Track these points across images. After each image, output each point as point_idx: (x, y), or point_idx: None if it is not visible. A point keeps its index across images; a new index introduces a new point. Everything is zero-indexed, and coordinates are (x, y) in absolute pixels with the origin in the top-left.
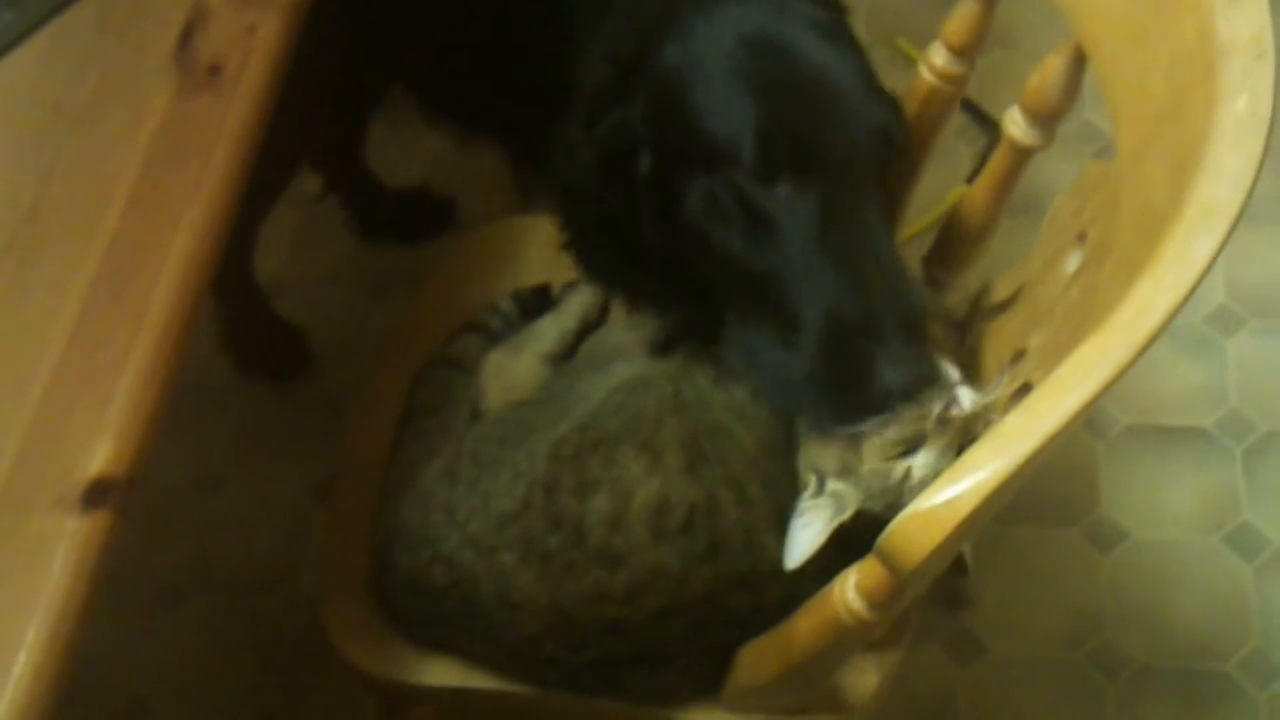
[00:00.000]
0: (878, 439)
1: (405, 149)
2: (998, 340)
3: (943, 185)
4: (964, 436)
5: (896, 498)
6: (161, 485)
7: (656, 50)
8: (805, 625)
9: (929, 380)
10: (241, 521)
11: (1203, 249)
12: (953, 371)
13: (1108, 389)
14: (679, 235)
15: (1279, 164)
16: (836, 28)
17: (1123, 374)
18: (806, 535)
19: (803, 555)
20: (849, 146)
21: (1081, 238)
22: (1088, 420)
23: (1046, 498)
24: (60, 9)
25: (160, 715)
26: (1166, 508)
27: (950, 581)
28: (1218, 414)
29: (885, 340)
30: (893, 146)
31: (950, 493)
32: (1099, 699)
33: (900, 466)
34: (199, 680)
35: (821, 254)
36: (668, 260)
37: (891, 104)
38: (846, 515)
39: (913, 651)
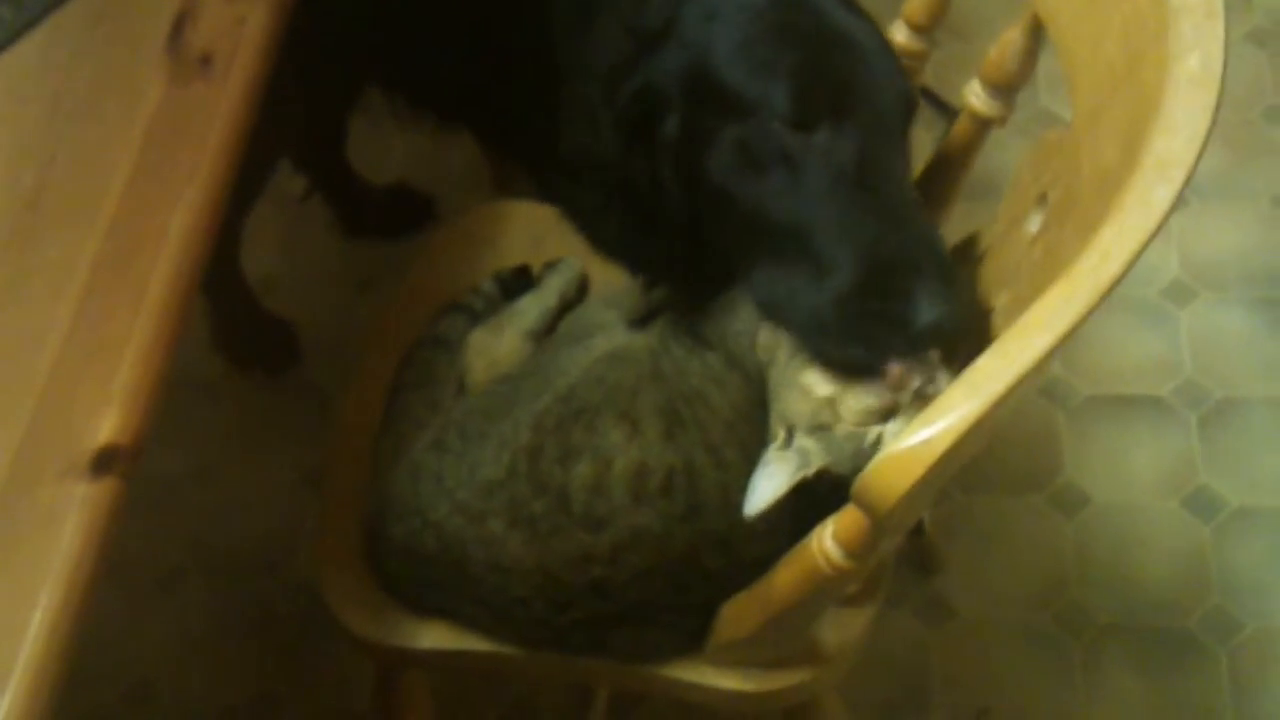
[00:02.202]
0: (858, 405)
1: (383, 147)
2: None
3: None
4: None
5: (864, 461)
6: (160, 476)
7: (679, 9)
8: (785, 577)
9: (961, 320)
10: (238, 508)
11: (1161, 196)
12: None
13: (1075, 330)
14: (701, 195)
15: (1226, 142)
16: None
17: (1088, 316)
18: (769, 486)
19: (762, 504)
20: (880, 98)
21: (1042, 200)
22: (1050, 390)
23: (1012, 466)
24: (56, 5)
25: (164, 694)
26: (1127, 473)
27: (917, 544)
28: (1174, 383)
29: (924, 277)
30: (913, 111)
31: (925, 433)
32: (1066, 657)
33: (873, 432)
34: (200, 660)
35: (859, 196)
36: (681, 225)
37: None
38: (809, 471)
39: (886, 616)
